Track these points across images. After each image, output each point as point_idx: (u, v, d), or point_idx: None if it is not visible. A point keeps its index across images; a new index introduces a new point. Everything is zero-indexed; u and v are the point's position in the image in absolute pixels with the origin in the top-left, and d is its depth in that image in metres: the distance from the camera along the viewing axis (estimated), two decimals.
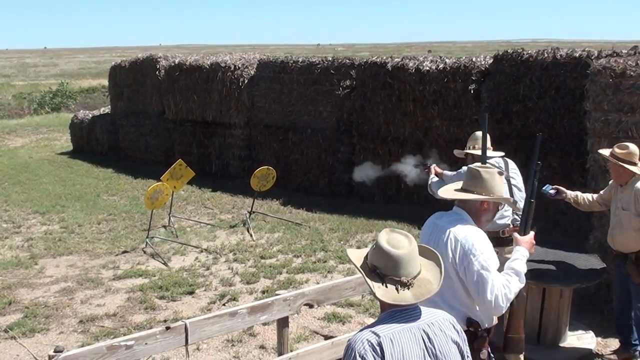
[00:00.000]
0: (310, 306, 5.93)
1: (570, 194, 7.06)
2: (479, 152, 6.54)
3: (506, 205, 6.26)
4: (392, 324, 3.10)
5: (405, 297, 3.12)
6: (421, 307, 3.20)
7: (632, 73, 7.83)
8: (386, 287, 3.13)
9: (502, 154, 6.69)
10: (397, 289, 3.12)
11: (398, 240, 3.20)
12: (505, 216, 6.32)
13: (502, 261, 6.32)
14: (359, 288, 6.16)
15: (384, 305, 3.18)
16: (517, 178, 6.46)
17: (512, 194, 6.40)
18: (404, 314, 3.14)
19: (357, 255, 3.34)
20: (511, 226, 6.34)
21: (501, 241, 6.32)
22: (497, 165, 6.44)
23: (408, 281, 3.14)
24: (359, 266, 3.27)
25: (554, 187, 7.05)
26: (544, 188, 6.90)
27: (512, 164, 6.56)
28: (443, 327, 3.20)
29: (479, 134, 6.76)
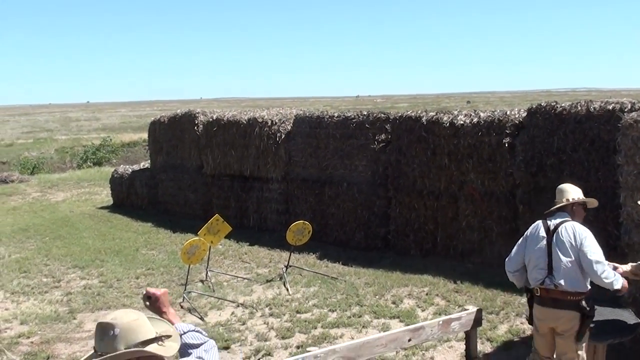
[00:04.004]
0: None
1: (625, 268, 6.91)
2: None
3: (539, 265, 6.39)
4: None
5: (171, 346, 3.30)
6: None
7: None
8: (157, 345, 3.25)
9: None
10: (159, 344, 3.25)
11: (116, 314, 3.29)
12: (540, 272, 6.40)
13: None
14: (391, 345, 6.17)
15: None
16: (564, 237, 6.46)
17: (550, 258, 6.43)
18: None
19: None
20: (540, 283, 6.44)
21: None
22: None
23: (158, 334, 3.27)
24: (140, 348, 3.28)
25: (610, 263, 6.92)
26: None
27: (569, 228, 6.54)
28: None
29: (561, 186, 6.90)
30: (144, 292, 3.91)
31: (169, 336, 3.32)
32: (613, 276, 6.31)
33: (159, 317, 3.63)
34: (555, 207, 6.70)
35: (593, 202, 6.90)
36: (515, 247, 6.88)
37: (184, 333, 3.75)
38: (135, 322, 3.21)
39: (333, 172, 15.58)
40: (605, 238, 9.84)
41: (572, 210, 6.68)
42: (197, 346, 3.75)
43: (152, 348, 3.20)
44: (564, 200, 6.69)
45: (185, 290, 11.93)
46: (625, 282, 6.42)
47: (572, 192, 6.75)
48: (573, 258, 6.34)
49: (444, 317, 6.57)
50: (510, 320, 9.87)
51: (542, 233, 6.55)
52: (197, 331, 3.82)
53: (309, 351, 5.81)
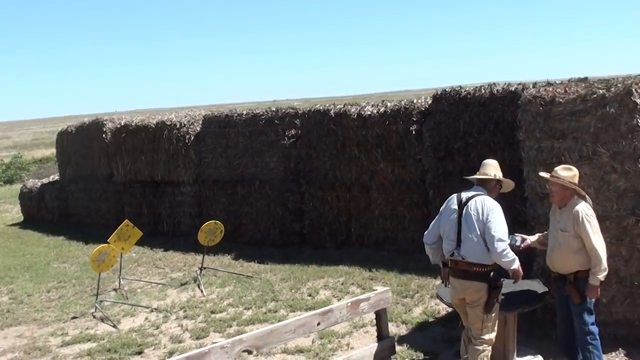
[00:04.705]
0: (250, 352, 5.80)
1: (532, 239, 7.11)
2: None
3: (449, 236, 6.43)
4: None
5: None
6: None
7: (561, 100, 7.91)
8: None
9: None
10: None
11: None
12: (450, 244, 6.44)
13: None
14: (299, 330, 6.05)
15: None
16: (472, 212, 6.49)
17: (459, 230, 6.46)
18: None
19: None
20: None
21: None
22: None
23: None
24: None
25: (518, 235, 7.02)
26: (510, 241, 6.69)
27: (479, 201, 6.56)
28: None
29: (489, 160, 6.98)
30: None
31: None
32: (512, 256, 6.37)
33: None
34: (479, 176, 6.77)
35: (511, 184, 6.95)
36: (433, 220, 6.90)
37: None
38: None
39: (244, 171, 15.41)
40: (513, 215, 9.94)
41: (493, 186, 6.76)
42: None
43: None
44: (492, 174, 6.73)
45: (96, 299, 11.63)
46: (521, 270, 6.48)
47: (498, 169, 6.83)
48: (479, 232, 6.38)
49: (352, 299, 6.51)
50: (424, 302, 9.92)
51: (454, 206, 6.62)
52: None
53: (215, 342, 5.67)
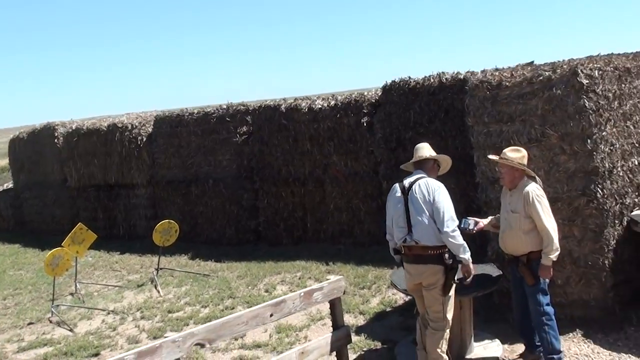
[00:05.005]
0: (202, 346, 5.71)
1: (485, 222, 7.15)
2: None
3: (399, 223, 6.40)
4: None
5: None
6: None
7: (507, 83, 7.95)
8: None
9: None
10: None
11: None
12: (401, 231, 6.41)
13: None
14: (252, 322, 5.97)
15: None
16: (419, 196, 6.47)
17: (408, 216, 6.44)
18: None
19: None
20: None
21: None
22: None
23: None
24: None
25: (471, 218, 7.03)
26: (462, 225, 6.74)
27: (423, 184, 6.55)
28: None
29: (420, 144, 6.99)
30: None
31: None
32: (462, 241, 6.34)
33: None
34: (417, 159, 6.77)
35: (448, 160, 6.97)
36: (387, 217, 6.87)
37: None
38: None
39: (198, 170, 15.30)
40: (467, 202, 10.00)
41: (431, 167, 6.77)
42: None
43: None
44: (427, 155, 6.75)
45: (53, 304, 11.51)
46: (472, 265, 6.46)
47: (431, 149, 6.86)
48: (428, 213, 6.37)
49: (305, 289, 6.46)
50: (382, 292, 9.94)
51: (399, 194, 6.59)
52: None
53: (166, 337, 5.59)
